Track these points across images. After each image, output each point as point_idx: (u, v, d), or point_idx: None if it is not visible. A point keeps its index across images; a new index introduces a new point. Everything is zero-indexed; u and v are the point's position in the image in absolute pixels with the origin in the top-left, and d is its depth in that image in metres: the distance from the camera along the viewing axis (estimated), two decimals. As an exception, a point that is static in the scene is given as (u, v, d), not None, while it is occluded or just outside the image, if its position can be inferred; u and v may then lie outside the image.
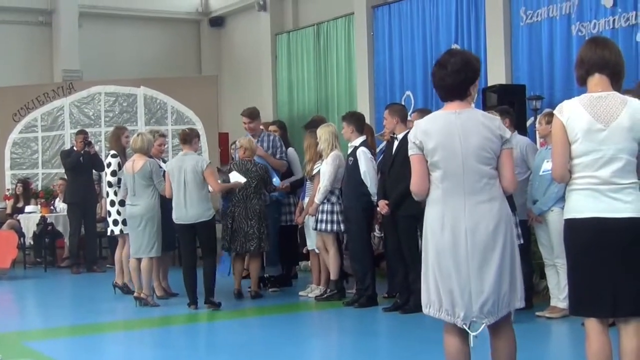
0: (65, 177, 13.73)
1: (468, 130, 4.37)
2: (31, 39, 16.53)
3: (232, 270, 9.95)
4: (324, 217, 9.28)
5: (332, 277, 9.44)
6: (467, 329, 4.35)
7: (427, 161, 4.43)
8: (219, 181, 9.39)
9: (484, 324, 4.35)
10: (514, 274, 4.39)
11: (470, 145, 4.35)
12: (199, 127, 13.85)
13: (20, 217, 14.10)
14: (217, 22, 17.86)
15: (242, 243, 9.54)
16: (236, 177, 9.50)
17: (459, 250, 4.32)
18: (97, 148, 13.68)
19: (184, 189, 8.96)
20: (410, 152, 4.49)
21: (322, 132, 9.35)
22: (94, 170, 13.18)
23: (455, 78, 4.43)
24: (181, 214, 9.03)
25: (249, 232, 9.50)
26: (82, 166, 12.84)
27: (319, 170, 9.43)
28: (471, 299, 4.31)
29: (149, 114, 14.97)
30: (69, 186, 13.22)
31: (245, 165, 9.66)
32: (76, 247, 13.12)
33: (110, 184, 10.24)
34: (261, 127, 10.79)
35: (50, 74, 16.48)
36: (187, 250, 9.24)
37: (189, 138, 9.22)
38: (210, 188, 9.13)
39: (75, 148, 13.15)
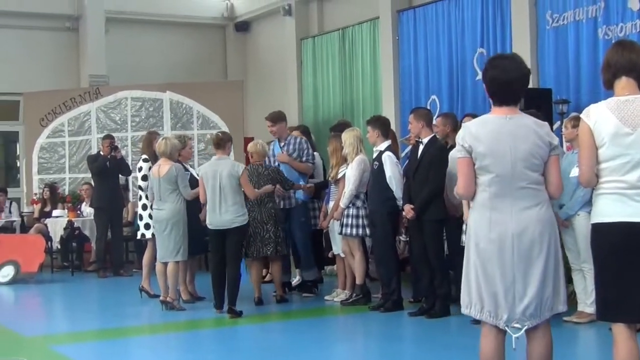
0: (91, 181, 13.84)
1: (518, 136, 4.37)
2: (58, 45, 16.67)
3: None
4: (350, 222, 9.26)
5: (358, 281, 9.42)
6: (508, 330, 4.37)
7: (474, 164, 4.43)
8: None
9: (526, 327, 4.36)
10: (558, 278, 4.41)
11: (520, 151, 4.35)
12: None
13: (47, 221, 14.19)
14: (243, 27, 17.91)
15: (259, 248, 9.50)
16: None
17: (504, 255, 4.34)
18: (123, 153, 13.77)
19: (219, 194, 8.90)
20: (458, 155, 4.49)
21: (347, 137, 9.33)
22: (120, 175, 13.26)
23: (517, 83, 4.44)
24: (215, 219, 8.96)
25: (265, 237, 9.47)
26: (108, 171, 12.93)
27: (343, 174, 9.42)
28: (514, 302, 4.34)
29: (175, 119, 15.03)
30: (96, 191, 13.31)
31: (257, 170, 9.64)
32: (103, 251, 13.19)
33: (141, 188, 10.31)
34: (289, 131, 10.78)
35: (77, 79, 16.60)
36: (217, 254, 9.16)
37: (222, 142, 9.16)
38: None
39: (101, 153, 13.23)
